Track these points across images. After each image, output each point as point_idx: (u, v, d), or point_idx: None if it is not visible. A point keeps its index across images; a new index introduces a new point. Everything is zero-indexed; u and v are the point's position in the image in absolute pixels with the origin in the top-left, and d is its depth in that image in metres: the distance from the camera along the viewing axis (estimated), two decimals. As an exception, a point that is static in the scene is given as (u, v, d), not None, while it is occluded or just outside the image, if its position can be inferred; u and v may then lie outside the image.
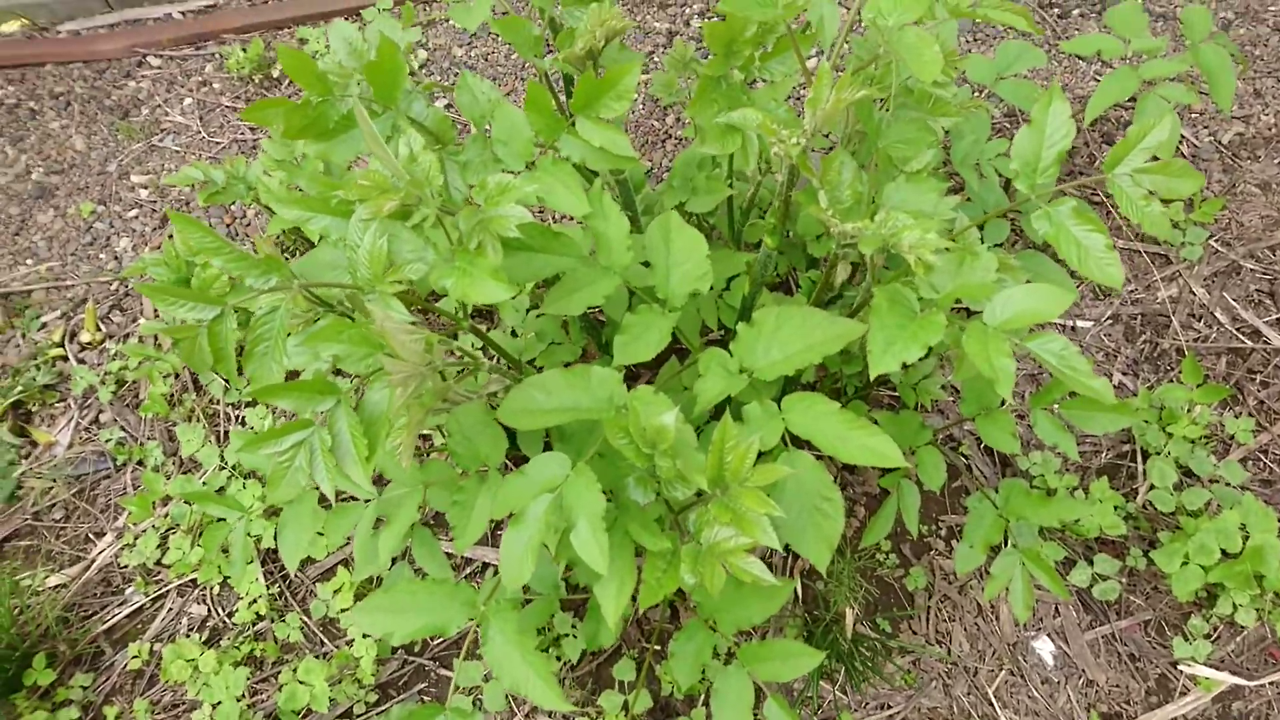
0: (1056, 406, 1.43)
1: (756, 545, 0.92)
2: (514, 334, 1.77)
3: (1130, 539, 1.73)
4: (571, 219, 2.10)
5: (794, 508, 1.03)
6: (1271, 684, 1.60)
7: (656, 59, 2.50)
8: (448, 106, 2.38)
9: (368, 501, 1.23)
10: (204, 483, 1.71)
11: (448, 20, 2.60)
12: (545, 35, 1.38)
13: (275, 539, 1.23)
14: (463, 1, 1.40)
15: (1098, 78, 2.50)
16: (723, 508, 0.94)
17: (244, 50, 2.58)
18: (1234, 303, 2.04)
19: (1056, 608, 1.69)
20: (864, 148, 1.28)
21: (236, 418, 1.84)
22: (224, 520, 1.35)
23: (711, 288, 1.56)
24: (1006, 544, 1.40)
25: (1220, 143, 2.35)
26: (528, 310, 1.74)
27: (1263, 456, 1.83)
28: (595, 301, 1.14)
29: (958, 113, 1.33)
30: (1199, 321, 2.03)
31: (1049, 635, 1.67)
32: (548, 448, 1.64)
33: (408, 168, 0.98)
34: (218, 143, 2.45)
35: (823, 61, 0.90)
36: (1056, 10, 2.68)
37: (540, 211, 2.13)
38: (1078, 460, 1.76)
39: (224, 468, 1.75)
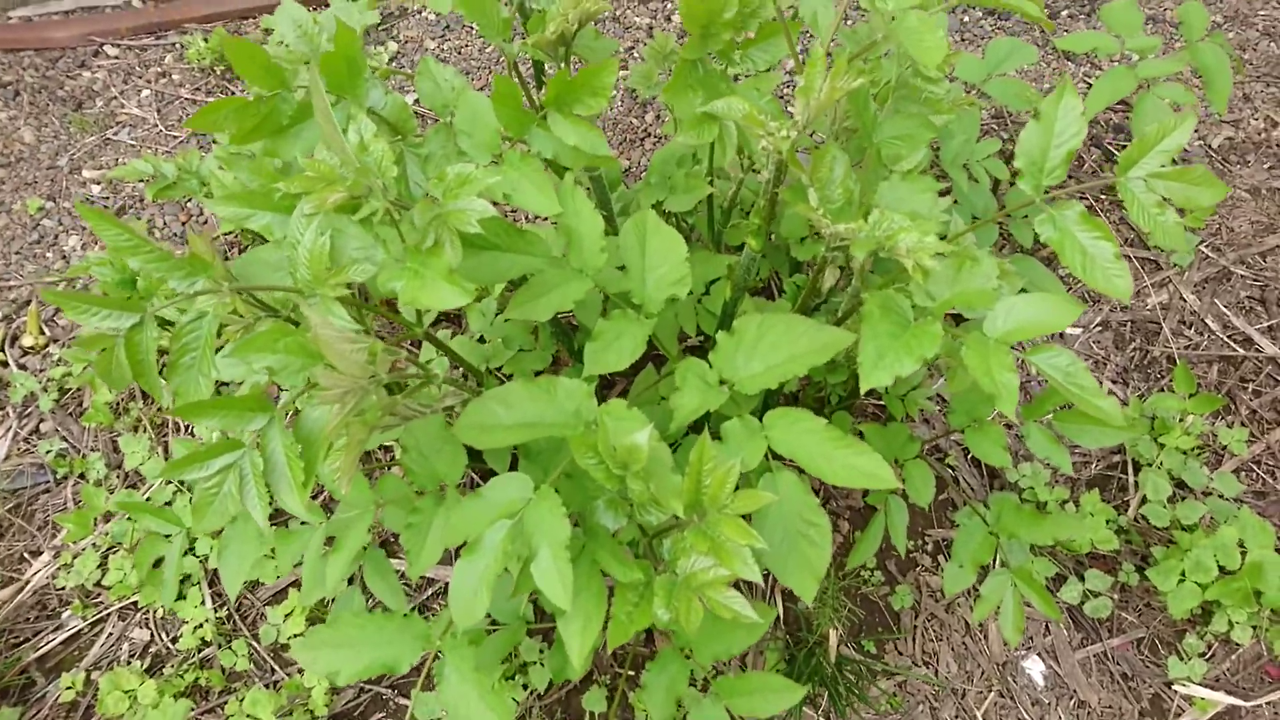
0: (1049, 418, 1.36)
1: (737, 577, 0.84)
2: (481, 340, 1.68)
3: (1122, 553, 1.67)
4: (540, 219, 2.01)
5: (776, 534, 0.95)
6: (1269, 704, 1.54)
7: (637, 54, 2.42)
8: (417, 101, 2.28)
9: (321, 521, 1.14)
10: (148, 498, 1.61)
11: (420, 10, 2.50)
12: (515, 20, 1.30)
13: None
14: (426, -14, 1.32)
15: (1087, 80, 2.45)
16: (700, 536, 0.85)
17: (205, 40, 2.47)
18: (1225, 309, 1.99)
19: (1047, 626, 1.62)
20: (852, 145, 1.20)
21: (186, 428, 1.73)
22: (165, 536, 1.25)
23: (690, 292, 1.48)
24: (996, 562, 1.34)
25: (1210, 147, 2.30)
26: (496, 314, 1.65)
27: (1255, 467, 1.78)
28: (565, 306, 1.05)
29: (951, 110, 1.25)
30: (1190, 329, 1.98)
31: (1039, 654, 1.60)
32: (514, 462, 1.56)
33: (358, 156, 0.89)
34: (175, 137, 2.34)
35: (815, 45, 0.82)
36: (1046, 10, 2.62)
37: (513, 211, 2.04)
38: (1070, 474, 1.69)
39: (170, 482, 1.64)
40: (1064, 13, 2.63)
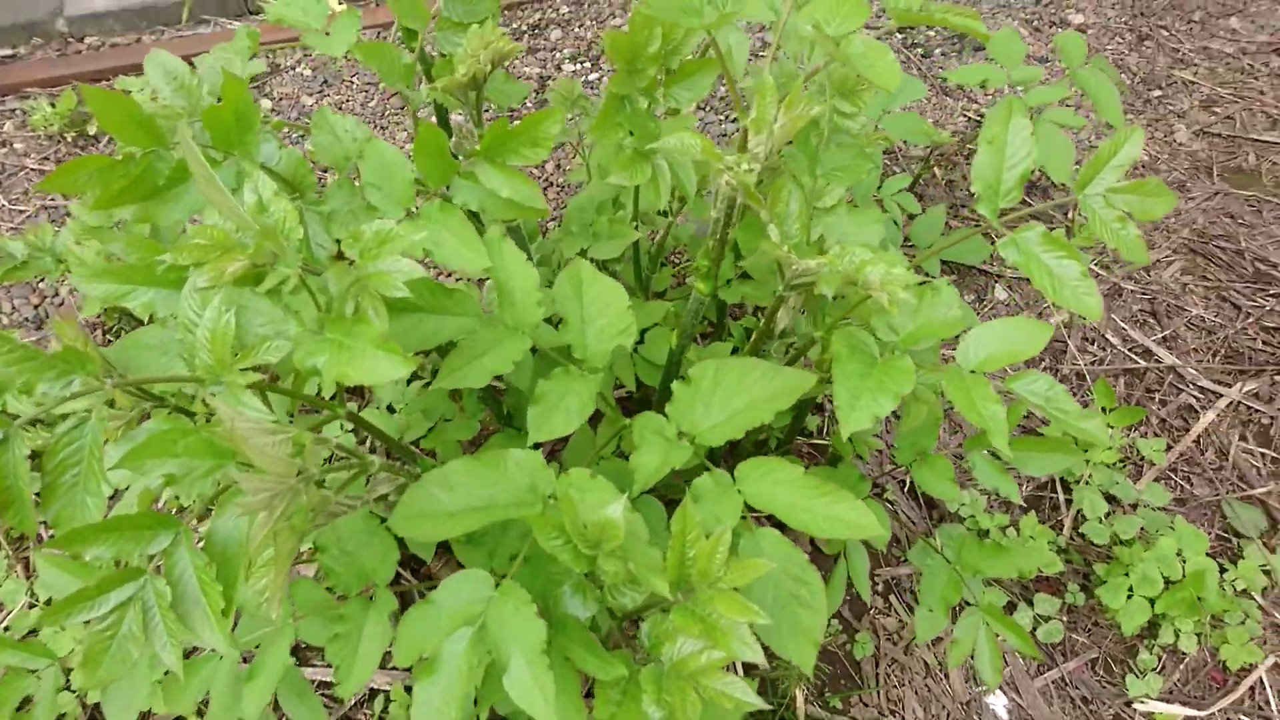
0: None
1: (734, 659, 0.75)
2: (391, 410, 1.54)
3: (1065, 574, 1.67)
4: (453, 275, 1.90)
5: (765, 599, 0.87)
6: (1220, 711, 1.55)
7: (530, 103, 2.35)
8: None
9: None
10: (7, 628, 1.37)
11: (295, 66, 2.36)
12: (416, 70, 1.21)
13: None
14: (316, 31, 1.21)
15: (965, 114, 2.55)
16: (689, 616, 0.76)
17: (52, 105, 2.25)
18: (1122, 324, 2.07)
19: (1004, 656, 1.59)
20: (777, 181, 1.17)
21: (50, 534, 1.51)
22: (31, 672, 1.05)
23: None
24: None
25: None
26: (408, 380, 1.51)
27: (1173, 475, 1.83)
28: (502, 368, 0.95)
29: (871, 143, 1.24)
30: (1092, 345, 2.04)
31: (1000, 688, 1.57)
32: (445, 550, 1.42)
33: (257, 218, 0.77)
34: (22, 211, 2.11)
35: (765, 74, 0.77)
36: (920, 50, 2.73)
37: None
38: (1020, 503, 1.69)
39: (35, 604, 1.41)
40: (937, 51, 2.75)
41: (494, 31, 1.06)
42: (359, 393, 1.74)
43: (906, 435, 1.33)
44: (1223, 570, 1.63)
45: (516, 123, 0.92)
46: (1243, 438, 1.87)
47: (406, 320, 0.96)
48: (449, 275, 1.91)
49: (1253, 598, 1.61)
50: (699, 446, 0.96)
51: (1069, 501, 1.76)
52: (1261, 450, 1.85)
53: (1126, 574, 1.55)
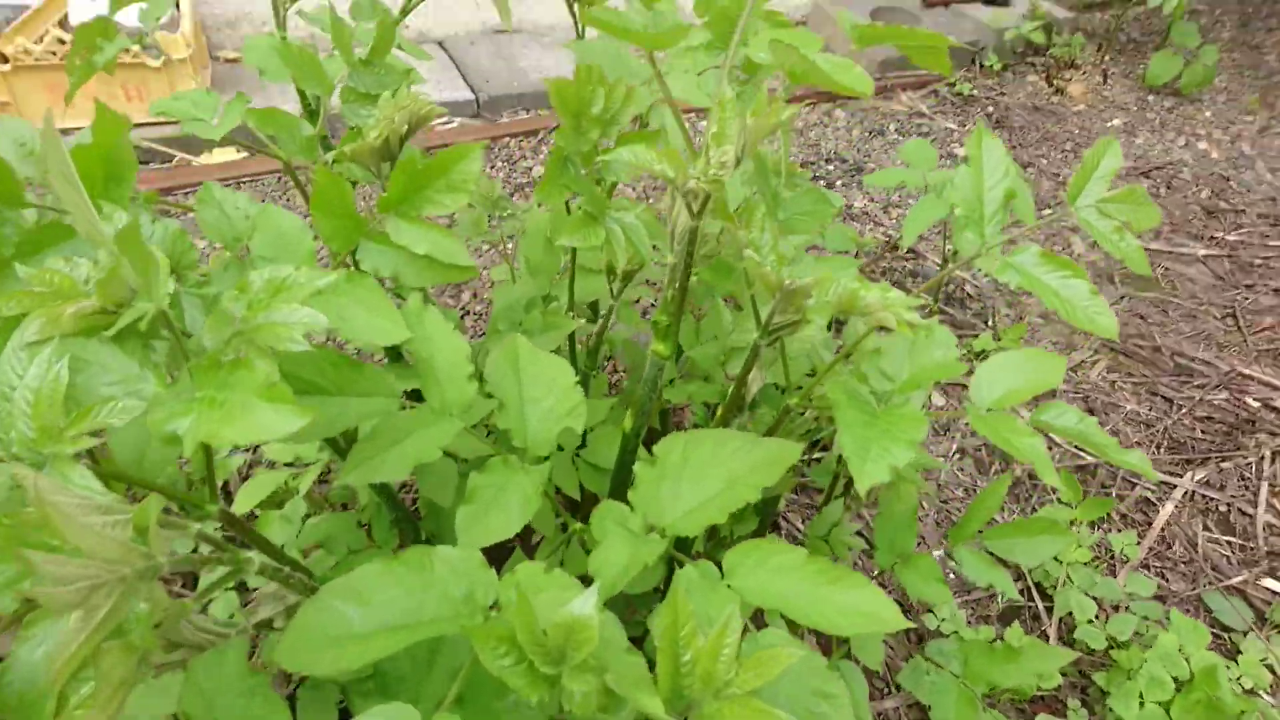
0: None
1: (759, 795, 0.56)
2: (282, 556, 1.30)
3: (1061, 688, 1.50)
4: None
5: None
6: (1258, 835, 1.37)
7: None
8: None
9: None
10: None
11: (186, 214, 2.22)
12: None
13: None
14: (202, 121, 1.09)
15: (873, 236, 2.60)
16: (694, 740, 0.57)
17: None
18: (1063, 422, 2.02)
19: (1016, 794, 1.39)
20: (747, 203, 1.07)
21: None
22: None
23: (561, 448, 1.24)
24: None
25: (997, 280, 2.47)
26: (304, 517, 1.29)
27: (1146, 570, 1.72)
28: (428, 455, 0.77)
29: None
30: (1038, 445, 1.98)
31: (1019, 832, 1.35)
32: (345, 716, 1.15)
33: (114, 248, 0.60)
34: None
35: (724, 87, 0.68)
36: (823, 181, 2.82)
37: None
38: (1015, 597, 1.54)
39: None
40: (839, 183, 2.84)
41: (411, 94, 0.96)
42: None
43: (886, 531, 1.19)
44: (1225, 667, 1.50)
45: (429, 159, 0.79)
46: (1206, 527, 1.80)
47: (305, 403, 0.78)
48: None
49: (1261, 696, 1.48)
50: (670, 539, 0.79)
51: (1049, 609, 1.62)
52: (1227, 539, 1.78)
53: (1129, 677, 1.40)
